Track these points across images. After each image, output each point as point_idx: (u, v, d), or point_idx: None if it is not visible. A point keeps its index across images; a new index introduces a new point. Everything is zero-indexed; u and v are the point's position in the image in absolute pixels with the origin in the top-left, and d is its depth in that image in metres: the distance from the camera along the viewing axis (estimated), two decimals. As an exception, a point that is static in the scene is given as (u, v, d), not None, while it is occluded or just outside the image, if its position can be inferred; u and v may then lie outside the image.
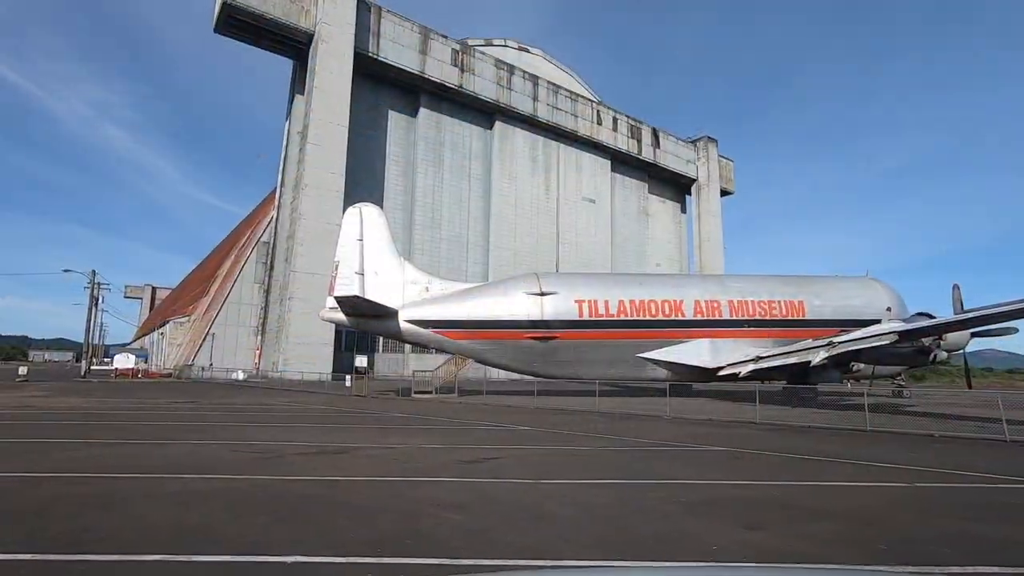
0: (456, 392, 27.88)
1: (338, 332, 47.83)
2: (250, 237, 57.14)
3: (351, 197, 50.33)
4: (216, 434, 12.34)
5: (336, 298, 25.18)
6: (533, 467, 8.82)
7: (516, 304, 27.07)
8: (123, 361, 44.95)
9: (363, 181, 52.44)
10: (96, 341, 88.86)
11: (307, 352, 45.12)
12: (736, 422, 16.42)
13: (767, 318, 29.19)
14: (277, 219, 52.77)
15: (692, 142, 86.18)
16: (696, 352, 28.04)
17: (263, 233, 54.37)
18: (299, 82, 54.20)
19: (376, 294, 26.51)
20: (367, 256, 27.94)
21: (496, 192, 63.74)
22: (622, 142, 75.70)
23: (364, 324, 27.39)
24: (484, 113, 64.29)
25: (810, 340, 24.96)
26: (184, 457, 9.18)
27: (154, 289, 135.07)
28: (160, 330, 74.74)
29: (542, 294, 27.32)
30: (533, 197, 67.11)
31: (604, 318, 27.45)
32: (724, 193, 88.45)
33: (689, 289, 29.27)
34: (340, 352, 49.09)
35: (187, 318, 59.93)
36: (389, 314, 27.01)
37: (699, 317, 28.49)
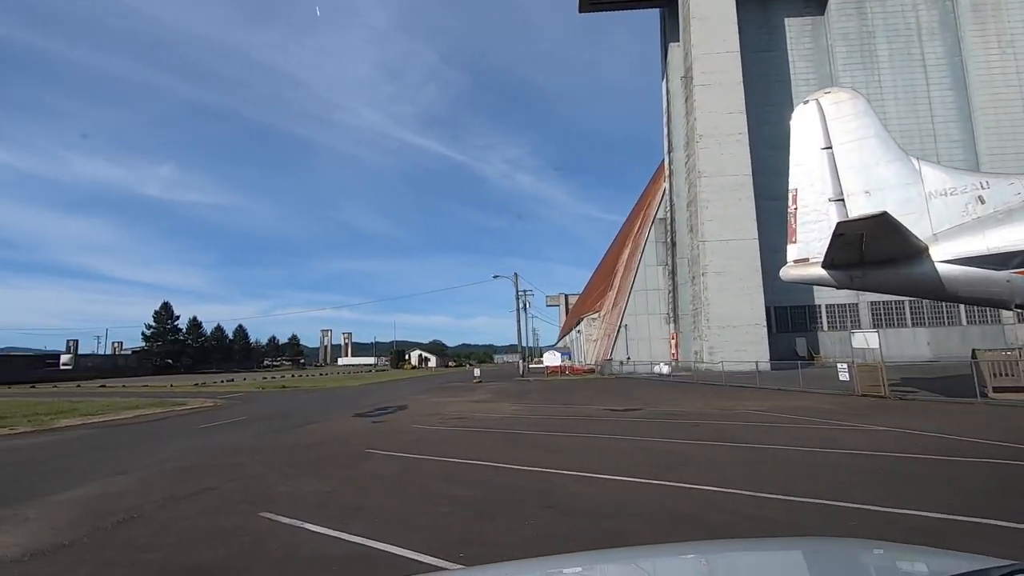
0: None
1: (766, 309, 37.59)
2: (644, 219, 52.84)
3: (755, 142, 39.99)
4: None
5: (841, 225, 14.95)
6: None
7: None
8: (552, 359, 46.14)
9: (768, 118, 40.81)
10: (530, 344, 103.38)
11: (734, 337, 36.39)
12: None
13: None
14: (670, 188, 46.35)
15: None
16: None
17: (657, 210, 48.98)
18: (668, 33, 47.17)
19: (880, 223, 15.49)
20: (843, 170, 17.25)
21: (976, 74, 41.55)
22: None
23: (863, 278, 16.52)
24: (931, -33, 43.23)
25: None
26: None
27: (566, 296, 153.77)
28: (576, 328, 79.61)
29: None
30: (1052, 63, 41.23)
31: None
32: None
33: None
34: (772, 334, 38.58)
35: (598, 314, 60.07)
36: (908, 254, 15.55)
37: None
